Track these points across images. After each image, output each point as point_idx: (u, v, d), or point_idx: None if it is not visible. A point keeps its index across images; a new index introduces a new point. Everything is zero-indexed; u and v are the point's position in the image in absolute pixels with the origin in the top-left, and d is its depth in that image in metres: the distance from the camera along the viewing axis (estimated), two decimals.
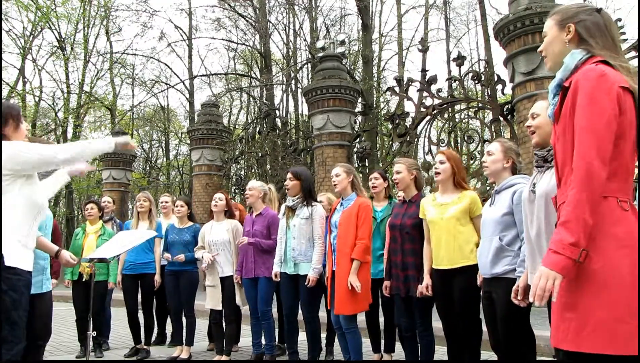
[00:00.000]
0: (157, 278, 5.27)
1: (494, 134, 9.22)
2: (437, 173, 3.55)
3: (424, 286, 3.52)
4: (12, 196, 2.35)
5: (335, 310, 3.85)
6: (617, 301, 1.46)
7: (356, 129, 10.50)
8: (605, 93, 1.52)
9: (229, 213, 5.01)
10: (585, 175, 1.49)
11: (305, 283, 4.15)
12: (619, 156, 1.55)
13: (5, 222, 2.29)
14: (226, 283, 4.82)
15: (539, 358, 4.00)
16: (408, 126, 9.16)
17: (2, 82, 17.98)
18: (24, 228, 2.39)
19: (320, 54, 11.37)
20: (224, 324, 4.90)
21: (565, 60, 1.70)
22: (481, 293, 3.18)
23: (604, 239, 1.51)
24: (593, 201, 1.49)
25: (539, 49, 1.89)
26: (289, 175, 4.46)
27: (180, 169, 25.28)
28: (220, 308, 4.85)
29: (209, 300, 4.90)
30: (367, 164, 9.88)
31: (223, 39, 21.65)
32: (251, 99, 22.96)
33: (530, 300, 1.56)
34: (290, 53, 20.98)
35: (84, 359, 4.59)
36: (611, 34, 1.70)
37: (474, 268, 3.23)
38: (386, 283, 3.90)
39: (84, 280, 5.13)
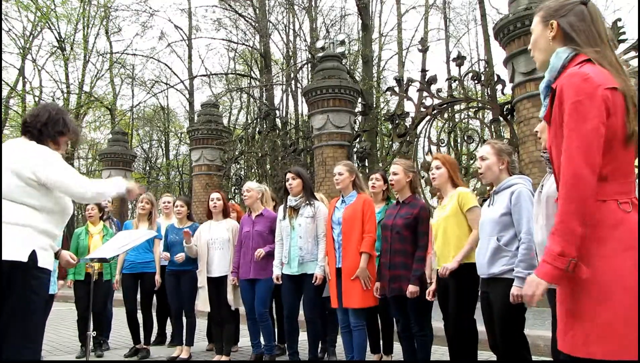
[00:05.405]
0: (157, 278, 5.27)
1: (494, 134, 9.22)
2: (434, 178, 3.62)
3: (431, 289, 3.60)
4: (47, 199, 2.33)
5: (344, 303, 3.89)
6: (623, 305, 1.42)
7: (356, 129, 10.50)
8: (589, 98, 1.48)
9: (225, 212, 5.01)
10: (573, 184, 1.47)
11: (312, 281, 4.16)
12: (614, 159, 1.51)
13: (38, 224, 2.28)
14: (222, 283, 4.80)
15: (538, 358, 4.01)
16: (408, 126, 9.16)
17: (2, 82, 17.97)
18: (55, 231, 2.39)
19: (320, 54, 11.37)
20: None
21: (551, 60, 1.65)
22: (479, 293, 3.20)
23: (605, 242, 1.47)
24: (582, 210, 1.46)
25: (528, 47, 1.82)
26: (291, 174, 4.47)
27: (180, 169, 25.27)
28: (208, 309, 4.84)
29: (199, 301, 4.89)
30: (367, 164, 9.88)
31: (223, 39, 21.66)
32: (251, 99, 22.95)
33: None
34: (290, 53, 20.97)
35: (84, 359, 4.58)
36: (597, 28, 1.63)
37: (468, 266, 3.27)
38: (376, 284, 3.92)
39: (94, 280, 5.11)
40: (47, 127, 2.44)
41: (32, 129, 2.43)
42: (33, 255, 2.21)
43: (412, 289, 3.60)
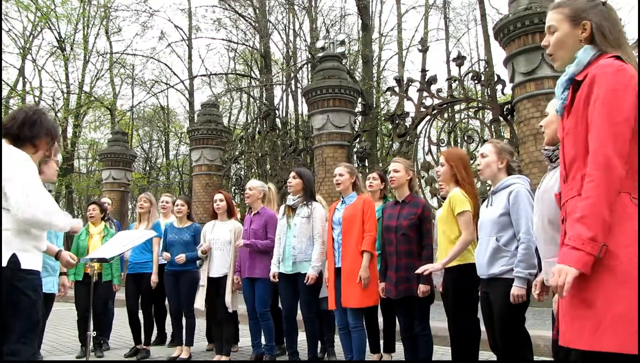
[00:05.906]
0: (153, 278, 5.26)
1: (494, 134, 9.22)
2: (438, 175, 3.62)
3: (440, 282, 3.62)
4: None
5: (343, 303, 3.88)
6: (632, 299, 1.40)
7: (356, 129, 10.50)
8: (625, 88, 1.48)
9: (230, 212, 5.01)
10: (605, 170, 1.45)
11: (305, 281, 4.17)
12: (631, 153, 1.51)
13: (17, 226, 2.26)
14: (220, 284, 4.80)
15: (538, 358, 4.01)
16: (408, 126, 9.16)
17: (2, 82, 17.97)
18: (38, 231, 2.37)
19: (320, 54, 11.37)
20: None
21: (578, 55, 1.64)
22: (479, 294, 3.20)
23: (620, 234, 1.46)
24: (611, 196, 1.45)
25: (543, 42, 1.79)
26: (292, 174, 4.52)
27: (180, 169, 25.28)
28: (203, 309, 4.84)
29: (197, 299, 4.89)
30: (367, 164, 9.88)
31: (223, 39, 21.68)
32: (251, 99, 22.96)
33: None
34: (290, 53, 20.97)
35: (84, 359, 4.59)
36: (619, 26, 1.66)
37: (463, 267, 3.30)
38: (381, 285, 3.92)
39: (94, 280, 5.11)
40: (24, 130, 2.40)
41: (10, 131, 2.39)
42: (14, 258, 2.20)
43: (423, 288, 3.60)
